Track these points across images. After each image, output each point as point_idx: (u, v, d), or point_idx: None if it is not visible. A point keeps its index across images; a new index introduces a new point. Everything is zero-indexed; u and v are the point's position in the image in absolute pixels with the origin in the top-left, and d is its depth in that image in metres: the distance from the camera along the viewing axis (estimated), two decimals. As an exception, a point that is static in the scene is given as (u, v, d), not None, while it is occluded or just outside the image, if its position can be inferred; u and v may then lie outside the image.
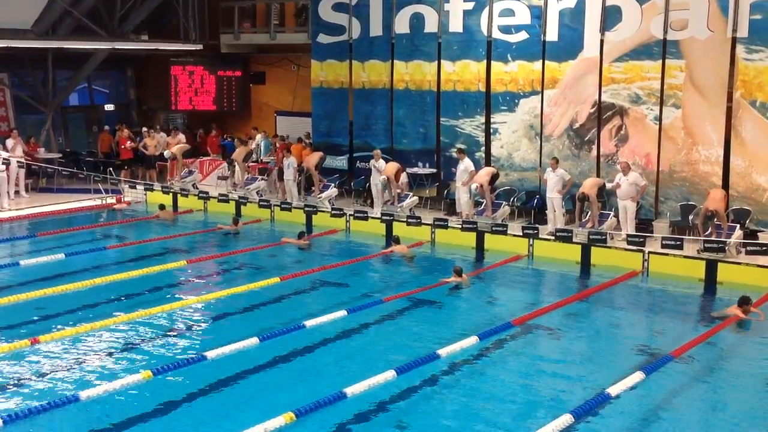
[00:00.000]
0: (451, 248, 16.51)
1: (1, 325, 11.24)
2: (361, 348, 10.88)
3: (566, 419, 8.21)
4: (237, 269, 14.98)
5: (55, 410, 8.44)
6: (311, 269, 14.60)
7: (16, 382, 9.36)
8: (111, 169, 22.65)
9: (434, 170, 19.79)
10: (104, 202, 21.25)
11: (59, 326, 11.10)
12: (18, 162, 21.67)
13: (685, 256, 14.53)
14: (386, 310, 12.34)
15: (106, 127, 25.66)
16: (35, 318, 11.70)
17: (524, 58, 18.13)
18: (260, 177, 21.60)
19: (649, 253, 14.85)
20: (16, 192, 21.76)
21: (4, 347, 10.13)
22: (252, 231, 18.49)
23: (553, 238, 15.95)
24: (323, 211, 18.94)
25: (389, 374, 9.27)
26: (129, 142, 23.76)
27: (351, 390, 8.80)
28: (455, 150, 18.73)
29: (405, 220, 17.58)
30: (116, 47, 23.87)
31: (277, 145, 22.97)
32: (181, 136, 25.05)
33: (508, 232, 16.31)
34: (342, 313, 11.80)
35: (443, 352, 10.13)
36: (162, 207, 19.73)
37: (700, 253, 14.53)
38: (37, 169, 22.67)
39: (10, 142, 21.81)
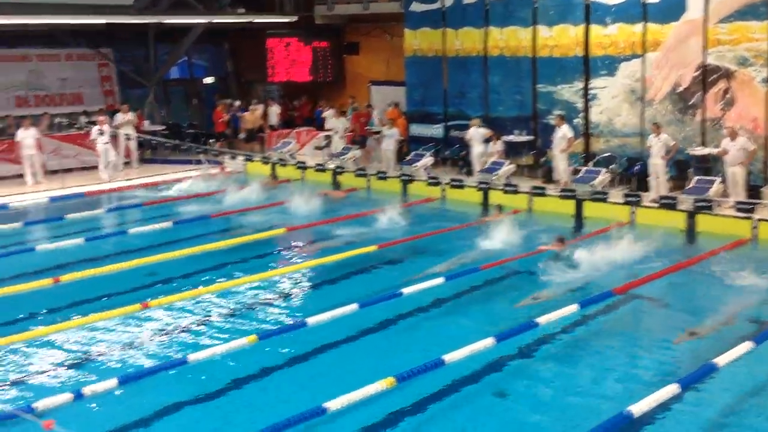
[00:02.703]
0: (549, 216, 16.28)
1: (113, 291, 11.74)
2: (459, 315, 10.87)
3: (672, 389, 7.99)
4: (335, 237, 15.14)
5: (165, 372, 8.75)
6: (408, 237, 14.65)
7: (128, 344, 9.77)
8: (212, 141, 23.22)
9: (531, 137, 19.50)
10: (206, 172, 21.79)
11: (168, 292, 11.50)
12: (126, 135, 22.47)
13: (798, 223, 13.90)
14: (483, 277, 12.29)
15: (228, 101, 25.97)
16: (145, 284, 12.17)
17: (624, 20, 17.58)
18: (355, 147, 21.75)
19: (759, 220, 14.27)
20: (126, 163, 22.60)
21: (117, 311, 10.58)
22: (348, 200, 18.66)
23: (656, 205, 15.51)
24: (419, 180, 18.94)
25: (488, 341, 9.21)
26: (225, 115, 24.35)
27: (449, 357, 8.77)
28: (553, 116, 18.39)
29: (502, 188, 17.42)
30: (213, 21, 24.35)
31: (351, 113, 23.22)
32: (276, 107, 25.47)
33: (609, 199, 15.96)
34: (440, 280, 11.80)
35: (542, 320, 9.99)
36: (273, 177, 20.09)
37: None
38: (142, 141, 23.44)
39: (120, 116, 22.64)
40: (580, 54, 18.39)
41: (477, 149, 19.17)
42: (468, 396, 8.38)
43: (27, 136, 20.26)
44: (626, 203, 15.69)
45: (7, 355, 9.32)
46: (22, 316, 10.69)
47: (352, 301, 10.78)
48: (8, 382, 8.64)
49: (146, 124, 24.32)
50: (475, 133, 19.15)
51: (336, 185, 19.72)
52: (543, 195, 16.80)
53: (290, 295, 11.87)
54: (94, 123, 21.86)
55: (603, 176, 17.08)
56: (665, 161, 16.22)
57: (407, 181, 19.01)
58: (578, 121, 18.52)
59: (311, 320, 10.13)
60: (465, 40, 20.44)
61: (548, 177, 18.53)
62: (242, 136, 24.05)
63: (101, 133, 21.04)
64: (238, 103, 25.49)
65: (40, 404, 7.70)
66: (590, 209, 16.15)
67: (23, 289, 11.55)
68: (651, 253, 13.33)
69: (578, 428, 7.27)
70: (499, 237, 14.33)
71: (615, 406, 7.76)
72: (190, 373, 8.82)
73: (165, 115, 27.12)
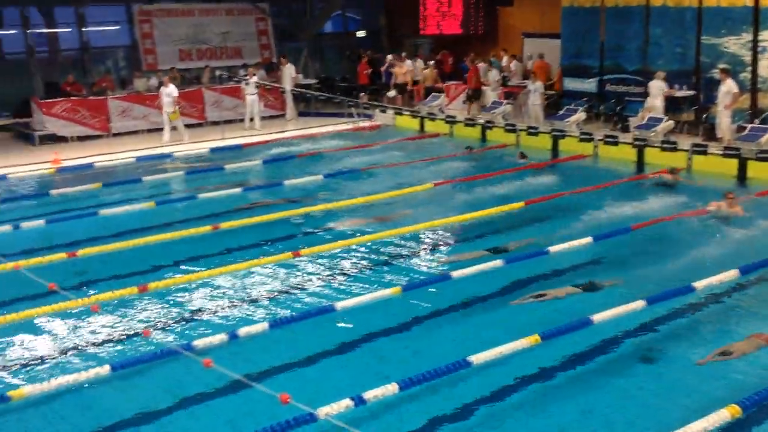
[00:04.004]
0: (710, 176, 15.49)
1: (266, 238, 12.22)
2: (607, 275, 10.55)
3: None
4: (481, 193, 15.02)
5: (313, 318, 9.03)
6: (556, 194, 14.35)
7: (279, 290, 10.16)
8: (363, 94, 23.50)
9: (692, 93, 18.53)
10: (356, 125, 22.13)
11: (317, 242, 11.83)
12: (281, 88, 23.11)
13: None
14: (634, 238, 11.87)
15: (391, 56, 25.97)
16: (296, 234, 12.57)
17: (803, -34, 16.31)
18: (506, 101, 21.43)
19: None
20: (281, 116, 23.31)
21: (270, 259, 11.02)
22: (497, 155, 18.46)
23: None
24: (571, 136, 18.46)
25: (638, 304, 8.94)
26: (369, 68, 24.63)
27: (597, 317, 8.60)
28: (718, 70, 17.37)
29: (659, 145, 16.70)
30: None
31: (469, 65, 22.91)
32: (419, 63, 25.22)
33: (776, 159, 15.01)
34: (587, 240, 11.51)
35: (699, 284, 9.57)
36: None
37: None
38: (296, 94, 24.06)
39: (283, 69, 23.38)
40: (750, 4, 17.21)
41: (651, 102, 18.38)
42: (613, 357, 8.18)
43: (164, 93, 20.34)
44: (795, 164, 14.70)
45: (170, 296, 9.91)
46: (183, 259, 11.31)
47: (497, 257, 10.74)
48: (171, 322, 9.20)
49: (300, 78, 24.91)
50: (656, 85, 18.33)
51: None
52: (704, 153, 15.98)
53: (436, 248, 11.93)
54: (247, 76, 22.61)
55: (769, 135, 16.07)
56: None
57: (558, 136, 18.56)
58: (745, 75, 17.42)
59: (456, 274, 10.17)
60: (625, -10, 19.60)
61: (710, 135, 17.59)
62: (391, 94, 24.13)
63: (258, 86, 21.75)
64: (390, 57, 25.59)
65: (199, 343, 8.17)
66: (755, 169, 15.24)
67: (185, 235, 12.22)
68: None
69: (733, 394, 6.97)
70: (656, 196, 13.80)
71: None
72: (337, 320, 9.08)
73: (318, 68, 27.67)
